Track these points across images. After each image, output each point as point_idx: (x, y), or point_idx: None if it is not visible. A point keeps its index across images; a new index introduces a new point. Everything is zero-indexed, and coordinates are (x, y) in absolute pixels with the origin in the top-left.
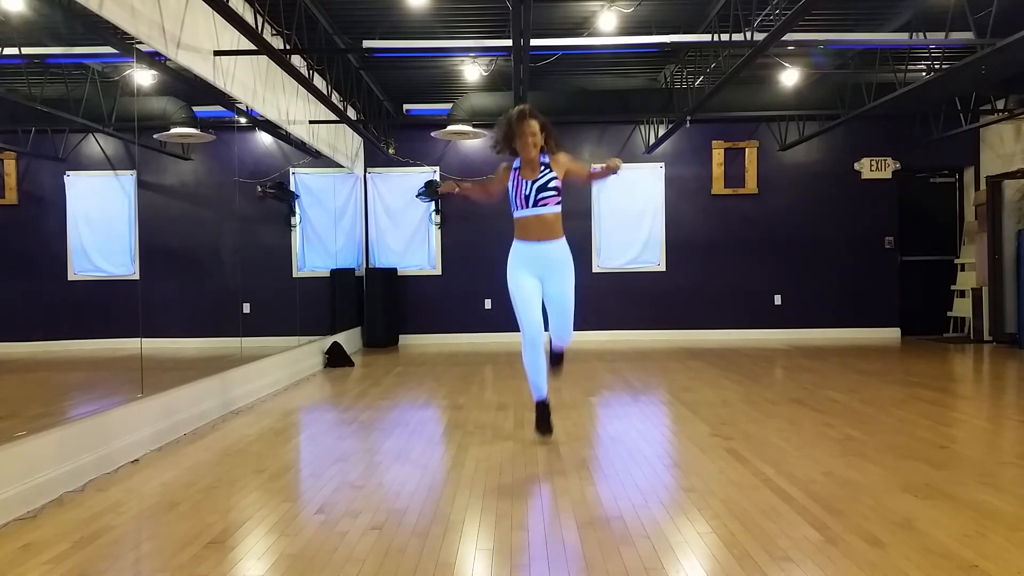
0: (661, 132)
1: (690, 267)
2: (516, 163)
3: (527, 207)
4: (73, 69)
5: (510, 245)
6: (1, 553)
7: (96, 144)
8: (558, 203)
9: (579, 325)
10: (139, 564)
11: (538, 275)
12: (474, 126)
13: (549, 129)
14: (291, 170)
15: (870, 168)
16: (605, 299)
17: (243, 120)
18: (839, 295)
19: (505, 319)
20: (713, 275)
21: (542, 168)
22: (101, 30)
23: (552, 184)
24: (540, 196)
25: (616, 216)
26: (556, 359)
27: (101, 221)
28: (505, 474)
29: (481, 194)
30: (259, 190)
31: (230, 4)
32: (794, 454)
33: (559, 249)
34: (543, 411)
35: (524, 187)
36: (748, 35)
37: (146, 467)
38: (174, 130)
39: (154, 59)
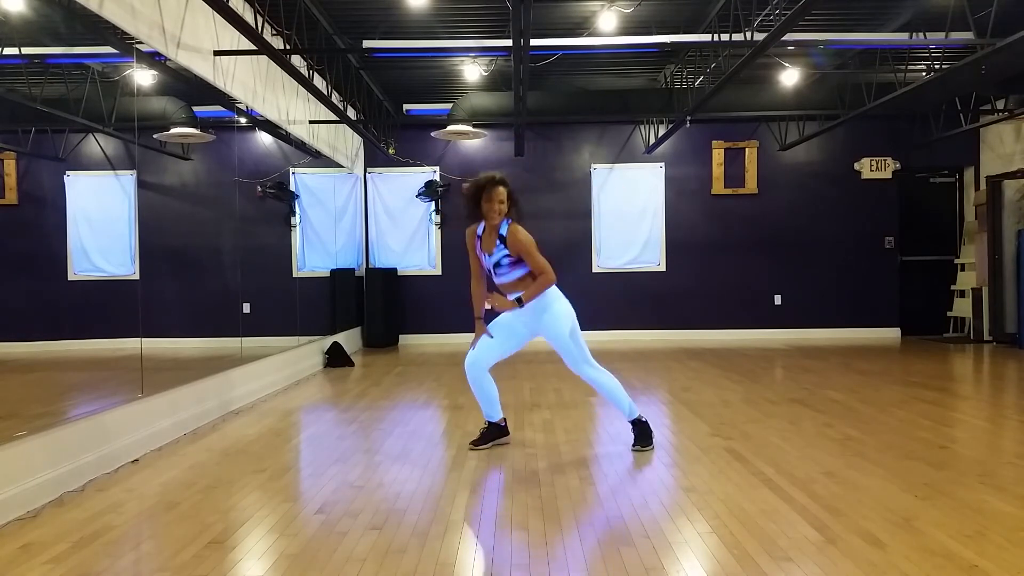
0: (661, 132)
1: (690, 267)
2: (479, 229)
3: (493, 278)
4: (73, 69)
5: None
6: (1, 553)
7: (96, 144)
8: (516, 268)
9: (579, 325)
10: (139, 564)
11: (527, 325)
12: (474, 126)
13: (516, 199)
14: (291, 170)
15: (870, 168)
16: (605, 299)
17: (243, 120)
18: (839, 295)
19: None
20: (713, 275)
21: (498, 243)
22: (101, 30)
23: (504, 261)
24: (497, 271)
25: (616, 216)
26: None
27: (101, 221)
28: (505, 474)
29: (480, 280)
30: (259, 190)
31: (230, 4)
32: (794, 454)
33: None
34: (497, 431)
35: (485, 260)
36: (748, 35)
37: (146, 467)
38: (174, 130)
39: (154, 59)
